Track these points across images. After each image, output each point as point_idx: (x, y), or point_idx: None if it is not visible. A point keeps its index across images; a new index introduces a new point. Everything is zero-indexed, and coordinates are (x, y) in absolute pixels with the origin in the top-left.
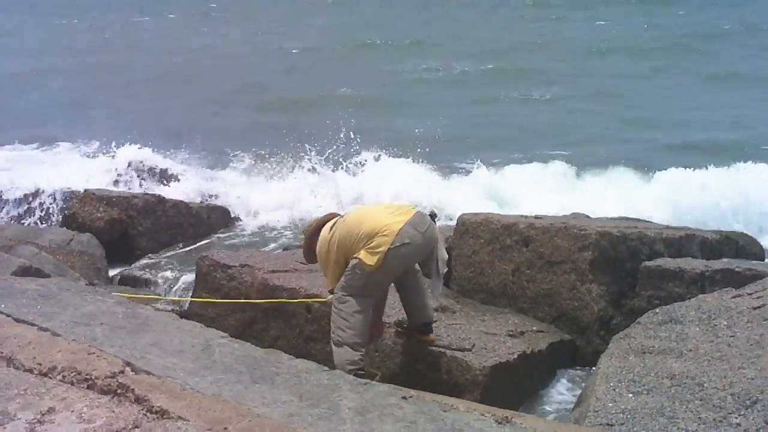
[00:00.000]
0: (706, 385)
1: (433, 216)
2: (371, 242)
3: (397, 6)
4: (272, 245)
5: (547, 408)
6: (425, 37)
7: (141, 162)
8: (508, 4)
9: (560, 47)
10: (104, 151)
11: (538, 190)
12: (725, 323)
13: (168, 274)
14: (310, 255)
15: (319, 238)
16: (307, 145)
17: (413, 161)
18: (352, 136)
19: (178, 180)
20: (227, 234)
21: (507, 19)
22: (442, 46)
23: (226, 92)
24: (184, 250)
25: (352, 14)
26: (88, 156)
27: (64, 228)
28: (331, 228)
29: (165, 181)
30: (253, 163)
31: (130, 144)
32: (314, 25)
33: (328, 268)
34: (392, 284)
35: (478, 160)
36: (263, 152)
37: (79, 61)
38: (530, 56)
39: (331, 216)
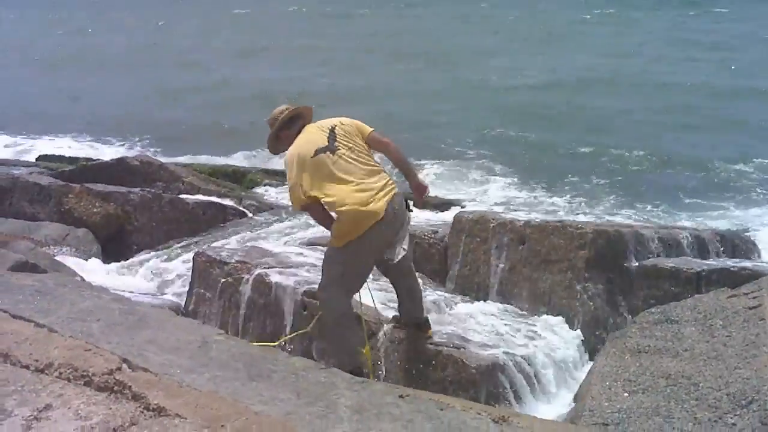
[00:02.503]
0: (701, 384)
1: (407, 206)
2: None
3: None
4: (269, 241)
5: (543, 406)
6: None
7: None
8: None
9: None
10: None
11: None
12: (721, 323)
13: (164, 270)
14: (277, 146)
15: (297, 142)
16: None
17: None
18: None
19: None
20: (223, 230)
21: None
22: None
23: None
24: (180, 245)
25: None
26: None
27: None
28: (314, 155)
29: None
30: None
31: None
32: None
33: (295, 187)
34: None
35: None
36: None
37: None
38: None
39: (307, 111)
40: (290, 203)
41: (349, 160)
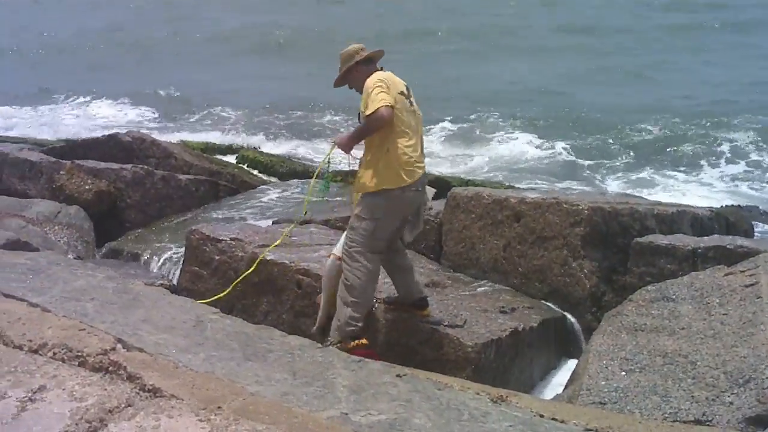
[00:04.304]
0: (698, 363)
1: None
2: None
3: None
4: (262, 219)
5: (538, 385)
6: None
7: None
8: None
9: None
10: None
11: None
12: (717, 301)
13: (157, 247)
14: (346, 78)
15: (382, 74)
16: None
17: None
18: None
19: None
20: (216, 207)
21: None
22: None
23: None
24: (173, 222)
25: None
26: None
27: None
28: (399, 93)
29: None
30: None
31: None
32: None
33: (386, 93)
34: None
35: None
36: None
37: None
38: None
39: (380, 55)
40: (370, 105)
41: (417, 119)
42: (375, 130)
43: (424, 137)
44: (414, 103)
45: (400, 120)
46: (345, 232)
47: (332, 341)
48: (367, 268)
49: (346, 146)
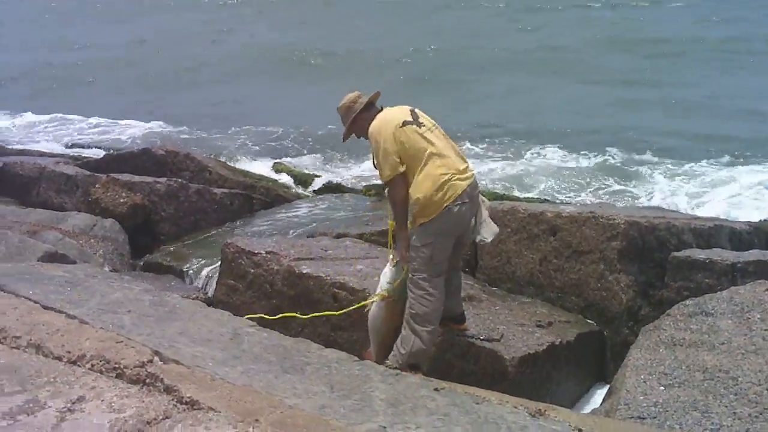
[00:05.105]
0: (740, 379)
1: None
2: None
3: None
4: (297, 232)
5: (575, 399)
6: None
7: None
8: None
9: None
10: None
11: None
12: (759, 316)
13: (192, 260)
14: (351, 130)
15: (381, 117)
16: None
17: None
18: None
19: None
20: (250, 220)
21: None
22: None
23: None
24: (208, 236)
25: None
26: None
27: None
28: (402, 125)
29: None
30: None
31: None
32: None
33: (388, 155)
34: None
35: None
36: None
37: None
38: None
39: (377, 97)
40: (380, 173)
41: (437, 134)
42: (402, 200)
43: (455, 145)
44: (425, 123)
45: (415, 154)
46: (384, 270)
47: (390, 365)
48: (432, 294)
49: (408, 247)
